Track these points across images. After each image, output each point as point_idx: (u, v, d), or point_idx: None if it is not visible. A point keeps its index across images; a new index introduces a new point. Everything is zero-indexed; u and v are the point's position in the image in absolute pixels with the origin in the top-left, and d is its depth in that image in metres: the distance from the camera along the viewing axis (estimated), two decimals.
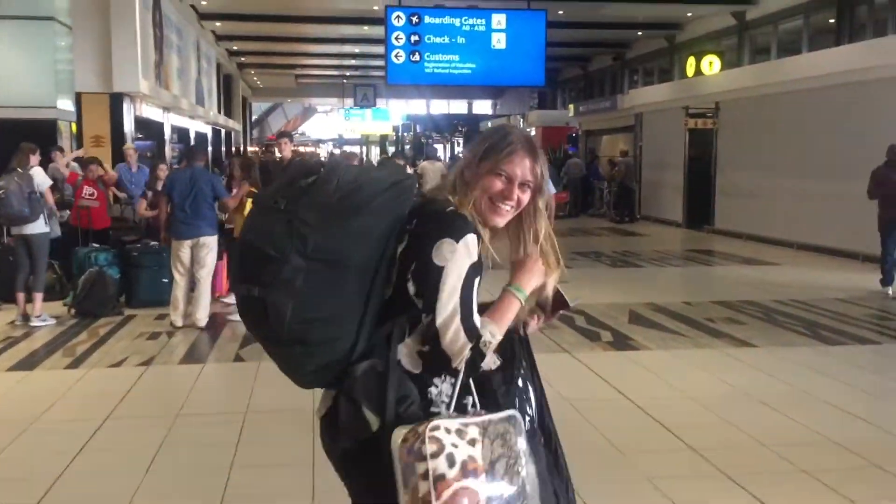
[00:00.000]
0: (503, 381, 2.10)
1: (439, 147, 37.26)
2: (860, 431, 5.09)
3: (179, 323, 8.11)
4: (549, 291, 2.25)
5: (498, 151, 2.07)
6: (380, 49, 16.62)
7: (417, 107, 40.81)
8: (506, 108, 35.91)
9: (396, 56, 15.60)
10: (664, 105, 19.73)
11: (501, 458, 1.88)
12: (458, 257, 1.93)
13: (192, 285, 8.30)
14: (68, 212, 9.70)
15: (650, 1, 18.57)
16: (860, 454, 4.65)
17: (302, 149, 45.87)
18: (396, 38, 15.52)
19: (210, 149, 24.30)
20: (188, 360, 6.99)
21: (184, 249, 8.16)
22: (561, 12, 18.87)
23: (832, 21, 16.45)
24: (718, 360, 6.91)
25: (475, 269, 1.97)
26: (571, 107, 27.51)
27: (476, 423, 1.89)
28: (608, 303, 9.12)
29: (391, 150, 38.99)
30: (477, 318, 1.95)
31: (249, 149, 36.35)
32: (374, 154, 40.20)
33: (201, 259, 8.18)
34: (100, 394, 5.97)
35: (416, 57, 15.64)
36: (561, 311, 2.32)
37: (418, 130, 39.26)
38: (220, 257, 8.74)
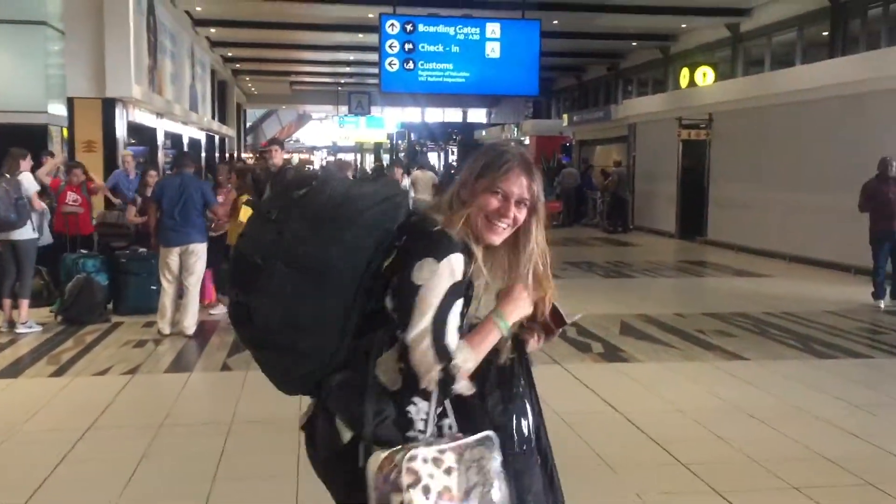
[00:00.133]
0: (501, 401, 2.10)
1: (434, 155, 37.26)
2: (852, 447, 5.04)
3: (167, 331, 8.04)
4: (546, 309, 2.19)
5: (495, 169, 2.06)
6: (374, 57, 16.58)
7: (412, 115, 40.81)
8: (500, 117, 35.88)
9: (390, 64, 15.56)
10: (658, 116, 19.74)
11: (476, 486, 1.89)
12: (437, 277, 1.91)
13: (181, 293, 8.23)
14: (50, 217, 9.60)
15: (645, 12, 18.58)
16: (852, 471, 4.60)
17: (297, 156, 45.93)
18: (390, 46, 15.49)
19: (204, 155, 24.23)
20: (174, 369, 6.92)
21: (172, 257, 8.09)
22: (555, 22, 18.87)
23: (826, 34, 16.48)
24: (710, 373, 6.87)
25: (456, 290, 1.93)
26: (565, 116, 27.53)
27: (452, 449, 1.89)
28: (600, 314, 9.07)
29: (386, 157, 39.02)
30: (451, 341, 1.91)
31: (244, 155, 36.26)
32: (369, 162, 40.19)
33: (190, 266, 8.11)
34: (84, 403, 5.89)
35: (410, 65, 15.61)
36: (559, 330, 2.25)
37: (413, 138, 39.24)
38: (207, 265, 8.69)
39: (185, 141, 21.20)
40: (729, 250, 16.08)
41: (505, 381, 2.12)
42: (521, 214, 2.07)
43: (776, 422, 5.48)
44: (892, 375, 7.00)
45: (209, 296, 9.23)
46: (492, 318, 2.03)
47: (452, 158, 36.62)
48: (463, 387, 1.97)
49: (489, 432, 1.98)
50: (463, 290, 1.95)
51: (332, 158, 38.92)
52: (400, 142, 39.78)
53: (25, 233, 8.05)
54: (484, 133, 34.46)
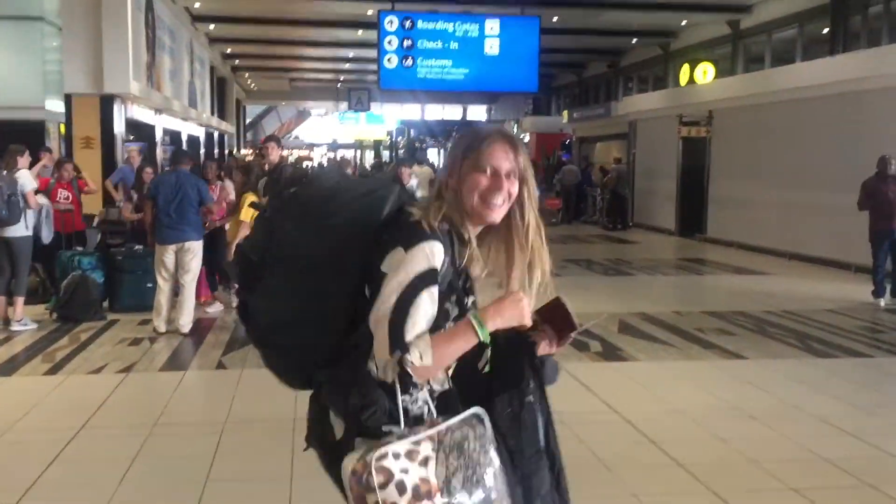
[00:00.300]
0: (508, 404, 2.07)
1: (434, 151, 37.15)
2: (852, 448, 4.99)
3: (163, 328, 7.99)
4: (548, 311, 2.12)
5: (477, 147, 2.04)
6: (374, 53, 16.53)
7: (412, 111, 40.72)
8: (500, 114, 35.80)
9: (389, 61, 15.52)
10: (658, 113, 19.68)
11: (458, 471, 1.83)
12: (402, 265, 1.88)
13: (177, 290, 8.19)
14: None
15: (645, 9, 18.53)
16: (852, 473, 4.55)
17: (296, 152, 45.85)
18: (389, 43, 15.45)
19: (203, 151, 24.17)
20: (169, 368, 6.87)
21: (168, 254, 8.04)
22: (555, 19, 18.82)
23: (826, 31, 16.42)
24: (708, 372, 6.82)
25: (425, 278, 1.88)
26: (565, 113, 27.48)
27: (430, 437, 1.82)
28: (598, 312, 8.99)
29: (386, 154, 38.95)
30: (410, 331, 1.85)
31: (243, 151, 36.21)
32: (369, 159, 40.11)
33: (186, 264, 8.06)
34: (77, 401, 5.84)
35: (409, 62, 15.56)
36: (571, 335, 2.14)
37: (412, 135, 39.17)
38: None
39: (184, 137, 21.16)
40: (729, 248, 16.03)
41: (514, 384, 2.08)
42: (514, 187, 2.04)
43: (775, 422, 5.44)
44: (893, 375, 6.96)
45: (205, 293, 9.18)
46: (469, 319, 1.93)
47: None
48: (438, 380, 1.91)
49: (475, 409, 1.92)
50: (436, 278, 1.90)
51: (331, 155, 38.82)
52: (400, 138, 39.70)
53: (19, 230, 7.99)
54: None
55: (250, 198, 8.26)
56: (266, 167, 8.38)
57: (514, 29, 15.97)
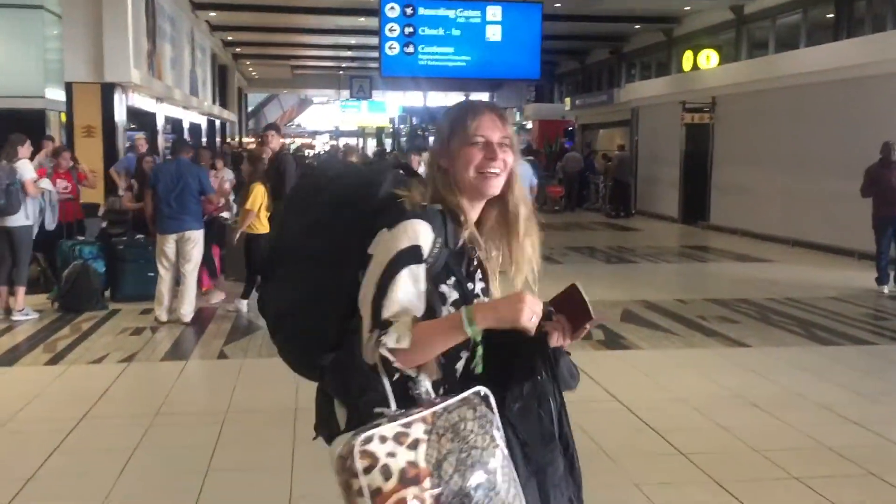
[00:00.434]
0: (520, 397, 2.00)
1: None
2: (855, 437, 4.98)
3: (164, 318, 7.98)
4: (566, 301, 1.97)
5: (465, 121, 1.99)
6: (376, 41, 16.46)
7: (414, 99, 40.60)
8: (502, 101, 35.52)
9: (390, 48, 15.45)
10: (661, 99, 19.60)
11: (450, 454, 1.74)
12: (386, 244, 1.87)
13: (178, 280, 8.17)
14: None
15: None
16: (855, 461, 4.53)
17: (298, 140, 45.79)
18: (390, 30, 15.37)
19: (205, 140, 24.12)
20: (171, 357, 6.86)
21: (169, 244, 8.02)
22: (558, 5, 18.71)
23: (830, 16, 16.31)
24: (711, 360, 6.80)
25: (408, 255, 1.85)
26: (568, 100, 27.38)
27: (422, 419, 1.76)
28: (601, 300, 9.00)
29: (388, 142, 38.87)
30: (388, 309, 1.82)
31: (245, 139, 36.16)
32: (371, 146, 40.03)
33: (186, 253, 8.04)
34: (79, 391, 5.84)
35: (411, 49, 15.48)
36: (586, 326, 1.98)
37: (414, 122, 39.06)
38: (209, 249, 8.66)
39: (186, 126, 21.12)
40: (732, 235, 15.98)
41: (525, 377, 2.01)
42: (509, 156, 2.00)
43: (778, 410, 5.42)
44: None
45: (206, 283, 9.16)
46: (460, 313, 1.83)
47: None
48: (429, 371, 1.86)
49: (478, 388, 1.86)
50: (420, 256, 1.86)
51: (334, 143, 38.76)
52: (402, 126, 39.61)
53: (19, 219, 7.97)
54: None
55: (259, 187, 8.24)
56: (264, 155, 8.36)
57: (516, 15, 15.88)
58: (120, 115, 13.88)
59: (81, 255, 8.73)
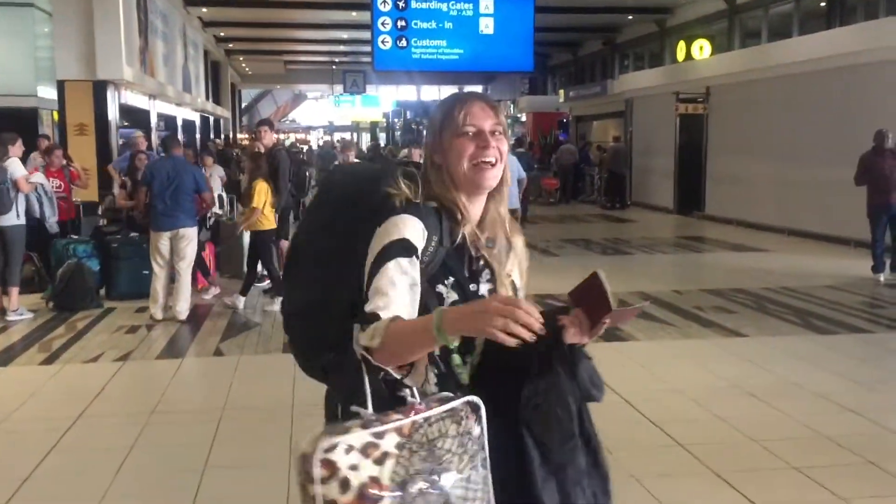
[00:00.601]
0: (534, 395, 1.87)
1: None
2: (853, 426, 4.98)
3: (159, 316, 7.95)
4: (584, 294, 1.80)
5: (455, 113, 1.92)
6: (368, 35, 16.39)
7: (408, 93, 40.55)
8: (496, 94, 35.49)
9: (383, 42, 15.37)
10: (654, 90, 19.57)
11: (419, 475, 1.60)
12: (376, 241, 1.81)
13: (173, 277, 8.14)
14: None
15: None
16: (853, 450, 4.53)
17: (292, 136, 45.67)
18: (383, 24, 15.29)
19: (199, 136, 24.05)
20: (166, 355, 6.84)
21: (163, 241, 7.99)
22: None
23: (823, 4, 16.29)
24: (708, 350, 6.80)
25: (392, 248, 1.78)
26: (562, 92, 27.34)
27: (397, 430, 1.61)
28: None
29: (382, 136, 38.80)
30: (372, 300, 1.73)
31: (239, 136, 36.07)
32: (365, 141, 39.95)
33: (181, 251, 8.01)
34: (74, 390, 5.82)
35: (403, 42, 15.42)
36: (606, 320, 1.77)
37: (409, 117, 39.01)
38: (201, 248, 8.62)
39: (179, 123, 21.06)
40: (727, 225, 15.99)
41: (540, 374, 1.87)
42: (503, 145, 1.92)
43: (775, 400, 5.42)
44: (893, 350, 6.93)
45: (201, 281, 9.14)
46: (431, 317, 1.65)
47: None
48: (394, 368, 1.71)
49: (471, 398, 1.71)
50: (409, 249, 1.79)
51: (327, 138, 38.66)
52: (396, 120, 39.54)
53: (10, 219, 7.92)
54: None
55: (262, 184, 8.20)
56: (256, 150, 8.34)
57: (509, 7, 15.79)
58: (113, 113, 13.82)
59: (75, 253, 8.70)
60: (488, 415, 1.73)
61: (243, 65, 36.54)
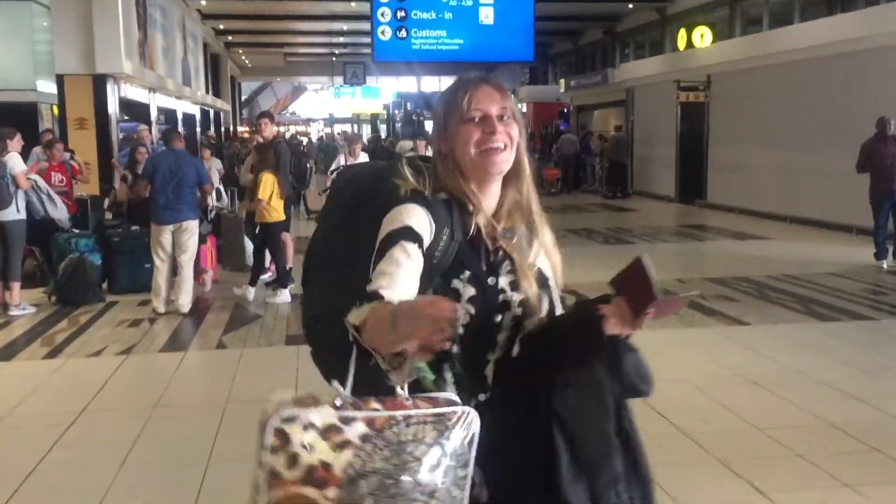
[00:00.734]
0: (568, 386, 1.75)
1: (431, 124, 36.89)
2: (856, 413, 4.97)
3: (162, 309, 7.95)
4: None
5: (460, 98, 1.82)
6: (368, 26, 16.35)
7: (408, 84, 40.48)
8: None
9: (383, 33, 15.35)
10: (655, 79, 19.52)
11: (374, 475, 1.47)
12: (381, 228, 1.74)
13: (175, 270, 8.14)
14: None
15: None
16: (856, 437, 4.53)
17: (293, 128, 45.61)
18: (382, 15, 15.26)
19: (199, 129, 24.01)
20: (169, 348, 6.84)
21: (165, 234, 7.98)
22: None
23: None
24: (711, 339, 6.79)
25: (395, 235, 1.70)
26: (562, 82, 27.26)
27: (367, 420, 1.49)
28: (599, 281, 8.92)
29: (383, 128, 38.72)
30: (375, 280, 1.63)
31: (239, 129, 36.03)
32: (366, 132, 39.89)
33: (183, 244, 8.01)
34: (77, 385, 5.82)
35: (403, 33, 15.38)
36: (650, 310, 1.64)
37: (409, 108, 38.92)
38: (202, 241, 8.62)
39: (179, 116, 21.02)
40: (729, 213, 15.96)
41: (574, 365, 1.77)
42: (513, 130, 1.81)
43: (779, 388, 5.41)
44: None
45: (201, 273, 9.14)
46: (387, 309, 1.47)
47: None
48: (382, 356, 1.51)
49: (467, 409, 1.57)
50: (413, 235, 1.70)
51: (328, 130, 38.61)
52: (397, 112, 39.47)
53: (10, 214, 7.91)
54: None
55: (267, 176, 8.17)
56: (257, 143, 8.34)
57: None
58: (113, 107, 13.81)
59: (77, 247, 8.70)
60: (515, 411, 1.67)
61: (243, 57, 36.48)
